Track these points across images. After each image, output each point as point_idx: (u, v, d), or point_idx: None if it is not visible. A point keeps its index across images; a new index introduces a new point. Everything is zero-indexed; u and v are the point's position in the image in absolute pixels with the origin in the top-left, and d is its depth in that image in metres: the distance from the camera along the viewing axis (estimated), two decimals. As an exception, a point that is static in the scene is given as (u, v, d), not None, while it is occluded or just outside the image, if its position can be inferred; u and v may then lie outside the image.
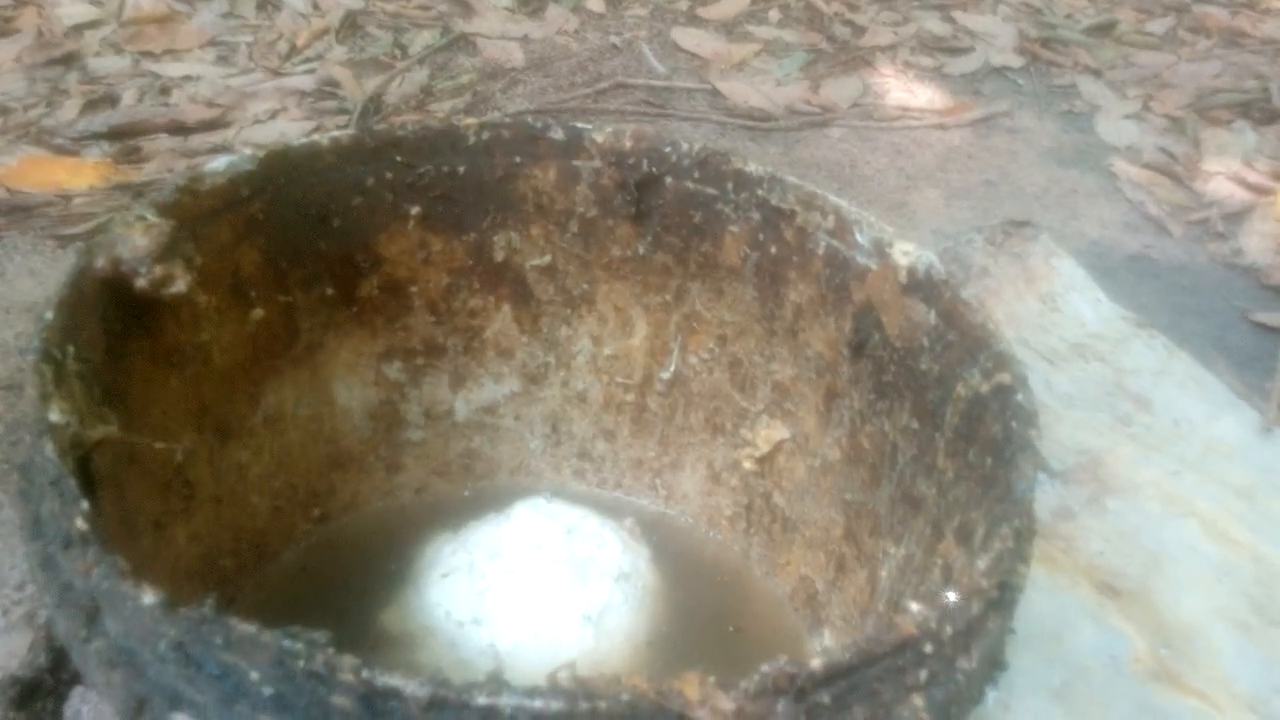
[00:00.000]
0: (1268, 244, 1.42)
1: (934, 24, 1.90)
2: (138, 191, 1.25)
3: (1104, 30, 1.94)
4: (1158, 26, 1.98)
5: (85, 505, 0.41)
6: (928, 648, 0.40)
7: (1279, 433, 1.06)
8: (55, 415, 0.45)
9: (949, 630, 0.41)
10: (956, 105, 1.68)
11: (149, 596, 0.38)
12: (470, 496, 0.82)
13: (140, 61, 1.50)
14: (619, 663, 0.67)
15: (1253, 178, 1.53)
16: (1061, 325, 1.14)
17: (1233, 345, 1.23)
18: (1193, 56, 1.88)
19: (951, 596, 0.41)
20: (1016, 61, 1.82)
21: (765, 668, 0.37)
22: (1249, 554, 0.92)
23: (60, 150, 1.31)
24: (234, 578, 0.69)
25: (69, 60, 1.48)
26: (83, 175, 1.27)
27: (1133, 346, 1.13)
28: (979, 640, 0.43)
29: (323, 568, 0.74)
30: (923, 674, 0.40)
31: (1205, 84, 1.78)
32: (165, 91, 1.44)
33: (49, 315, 0.48)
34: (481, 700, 0.35)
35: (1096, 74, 1.81)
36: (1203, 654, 0.83)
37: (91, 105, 1.39)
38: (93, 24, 1.56)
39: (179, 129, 1.37)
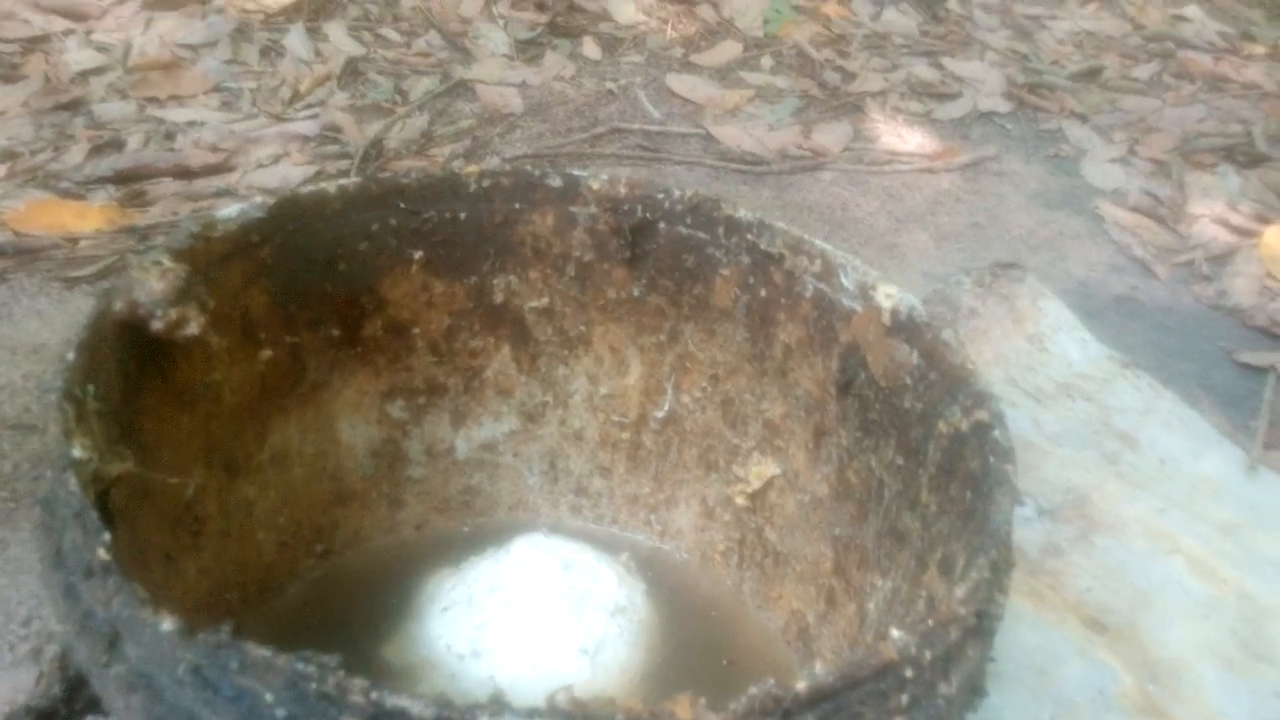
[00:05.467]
0: (1252, 285, 1.44)
1: (923, 70, 1.93)
2: (143, 234, 1.26)
3: (1090, 76, 1.98)
4: (1143, 72, 2.02)
5: (107, 537, 0.43)
6: (908, 672, 0.42)
7: (1264, 471, 1.07)
8: (78, 451, 0.46)
9: (928, 656, 0.43)
10: (945, 149, 1.70)
11: (168, 623, 0.40)
12: (470, 532, 0.83)
13: (145, 107, 1.52)
14: (614, 694, 0.68)
15: (1237, 220, 1.56)
16: (1049, 365, 1.15)
17: (1218, 385, 1.25)
18: (1177, 101, 1.91)
19: (930, 624, 0.43)
20: (1004, 107, 1.85)
21: (753, 690, 0.39)
22: (1234, 590, 0.93)
23: (67, 194, 1.33)
24: (240, 611, 0.71)
25: (75, 106, 1.50)
26: (89, 218, 1.28)
27: (1119, 386, 1.15)
28: (958, 667, 0.45)
29: (326, 601, 0.75)
30: (904, 698, 0.42)
31: (1190, 128, 1.81)
32: (170, 136, 1.46)
33: (70, 356, 0.50)
34: (484, 721, 0.37)
35: (1083, 119, 1.84)
36: (1189, 689, 0.84)
37: (97, 150, 1.41)
38: (99, 70, 1.59)
39: (184, 173, 1.39)
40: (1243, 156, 1.74)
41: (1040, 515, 0.98)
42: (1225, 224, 1.56)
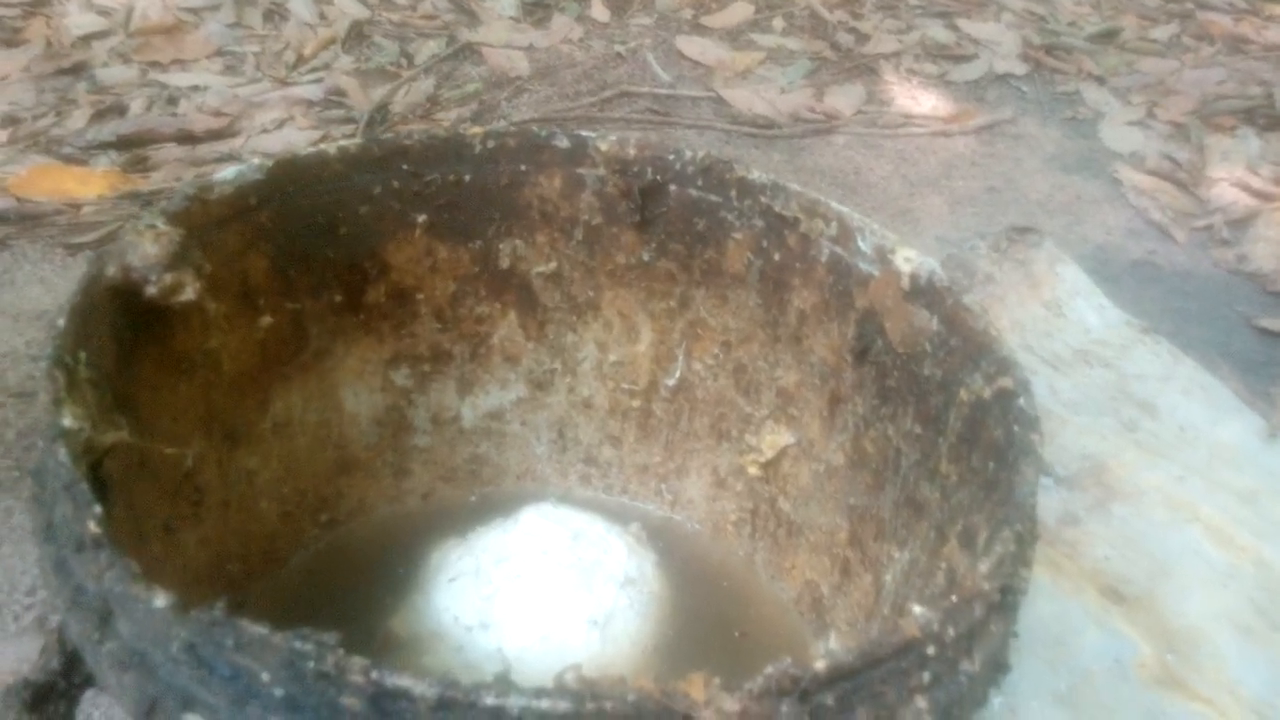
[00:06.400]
0: (1272, 250, 1.42)
1: (938, 31, 1.90)
2: (146, 200, 1.25)
3: (1108, 37, 1.95)
4: (1162, 33, 1.98)
5: (98, 509, 0.41)
6: (930, 650, 0.41)
7: (1284, 438, 1.06)
8: (68, 420, 0.45)
9: (951, 633, 0.41)
10: (960, 112, 1.68)
11: (160, 599, 0.39)
12: (477, 502, 0.82)
13: (148, 71, 1.51)
14: (625, 667, 0.67)
15: (1257, 184, 1.54)
16: (1066, 331, 1.14)
17: (1237, 351, 1.23)
18: (1197, 63, 1.88)
19: (954, 600, 0.41)
20: (1020, 69, 1.82)
21: (769, 669, 0.37)
22: (1253, 559, 0.92)
23: (69, 159, 1.32)
24: (242, 582, 0.70)
25: (77, 70, 1.49)
26: (91, 184, 1.28)
27: (1137, 352, 1.13)
28: (982, 643, 0.43)
29: (331, 572, 0.74)
30: (926, 676, 0.41)
31: (1209, 90, 1.78)
32: (173, 101, 1.45)
33: (61, 322, 0.49)
34: (489, 701, 0.36)
35: (1100, 81, 1.82)
36: (1208, 659, 0.84)
37: (100, 115, 1.40)
38: (101, 34, 1.57)
39: (187, 138, 1.38)
40: (1263, 119, 1.72)
41: (1058, 484, 0.97)
42: (1245, 188, 1.53)
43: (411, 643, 0.67)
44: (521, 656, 0.65)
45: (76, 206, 1.24)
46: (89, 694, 0.52)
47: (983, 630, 0.43)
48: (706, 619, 0.74)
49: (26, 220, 1.22)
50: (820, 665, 0.38)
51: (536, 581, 0.68)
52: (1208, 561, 0.92)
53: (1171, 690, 0.80)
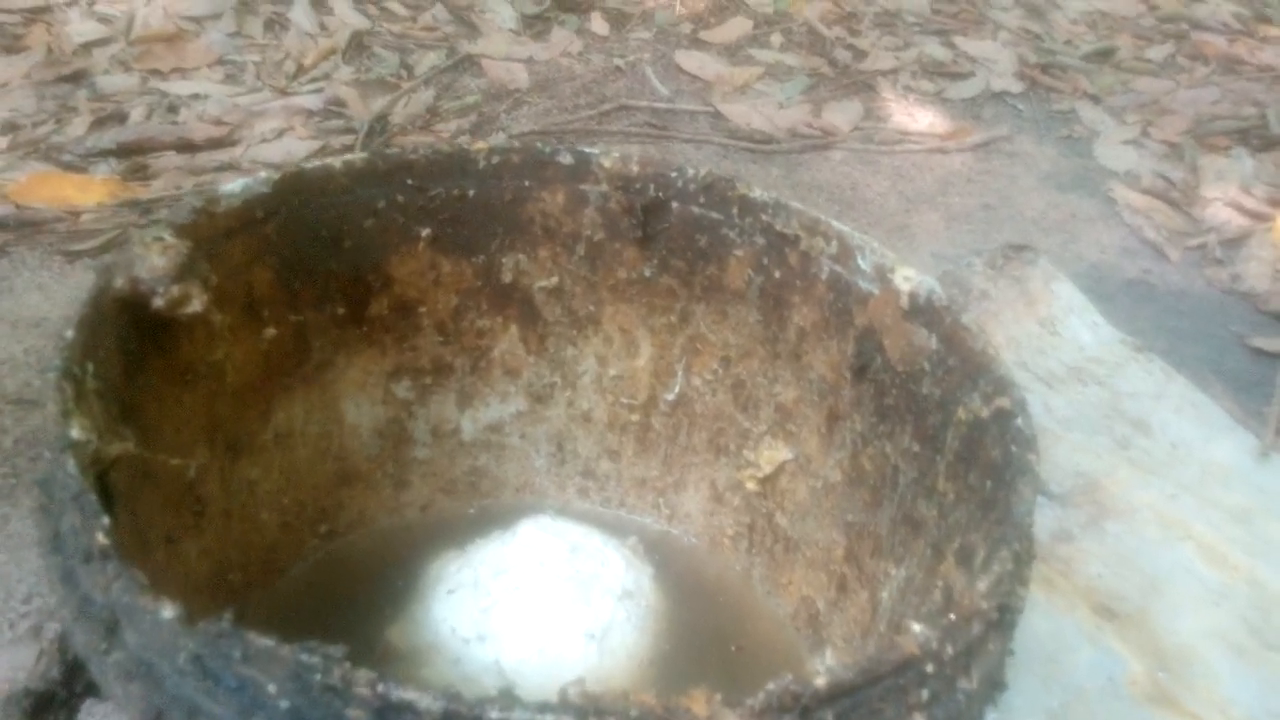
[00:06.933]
0: (1265, 269, 1.43)
1: (935, 49, 1.91)
2: (145, 208, 1.26)
3: (1103, 56, 1.96)
4: (1157, 53, 1.99)
5: (105, 521, 0.42)
6: (929, 668, 0.41)
7: (1276, 457, 1.06)
8: (76, 432, 0.45)
9: (950, 651, 0.42)
10: (957, 129, 1.69)
11: (168, 610, 0.39)
12: (476, 514, 0.82)
13: (148, 79, 1.51)
14: (622, 681, 0.68)
15: (1250, 204, 1.54)
16: (1060, 348, 1.14)
17: (1230, 370, 1.24)
18: (1191, 83, 1.89)
19: (953, 618, 0.42)
20: (1016, 87, 1.83)
21: (771, 685, 0.38)
22: (1245, 577, 0.93)
23: (69, 167, 1.32)
24: (243, 592, 0.70)
25: (78, 78, 1.49)
26: (91, 192, 1.28)
27: (1130, 370, 1.14)
28: (979, 661, 0.44)
29: (330, 583, 0.75)
30: (924, 693, 0.41)
31: (1203, 110, 1.79)
32: (173, 109, 1.45)
33: (69, 333, 0.49)
34: (494, 715, 0.36)
35: (1096, 100, 1.83)
36: (1199, 677, 0.84)
37: (100, 122, 1.40)
38: (102, 42, 1.57)
39: (187, 147, 1.38)
40: (1257, 139, 1.73)
41: (1051, 501, 0.97)
42: (1239, 207, 1.54)
43: (409, 654, 0.68)
44: (518, 669, 0.65)
45: (76, 214, 1.24)
46: (87, 703, 0.52)
47: (981, 648, 0.43)
48: (703, 633, 0.74)
49: (26, 227, 1.22)
50: (821, 682, 0.38)
51: (534, 594, 0.68)
52: (1200, 580, 0.92)
53: (1163, 708, 0.81)
